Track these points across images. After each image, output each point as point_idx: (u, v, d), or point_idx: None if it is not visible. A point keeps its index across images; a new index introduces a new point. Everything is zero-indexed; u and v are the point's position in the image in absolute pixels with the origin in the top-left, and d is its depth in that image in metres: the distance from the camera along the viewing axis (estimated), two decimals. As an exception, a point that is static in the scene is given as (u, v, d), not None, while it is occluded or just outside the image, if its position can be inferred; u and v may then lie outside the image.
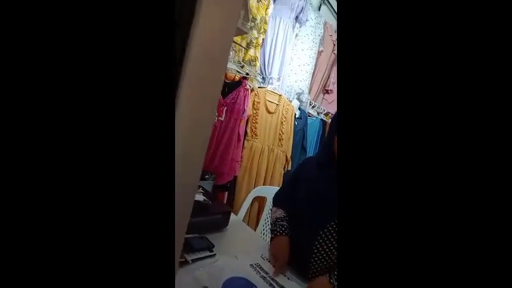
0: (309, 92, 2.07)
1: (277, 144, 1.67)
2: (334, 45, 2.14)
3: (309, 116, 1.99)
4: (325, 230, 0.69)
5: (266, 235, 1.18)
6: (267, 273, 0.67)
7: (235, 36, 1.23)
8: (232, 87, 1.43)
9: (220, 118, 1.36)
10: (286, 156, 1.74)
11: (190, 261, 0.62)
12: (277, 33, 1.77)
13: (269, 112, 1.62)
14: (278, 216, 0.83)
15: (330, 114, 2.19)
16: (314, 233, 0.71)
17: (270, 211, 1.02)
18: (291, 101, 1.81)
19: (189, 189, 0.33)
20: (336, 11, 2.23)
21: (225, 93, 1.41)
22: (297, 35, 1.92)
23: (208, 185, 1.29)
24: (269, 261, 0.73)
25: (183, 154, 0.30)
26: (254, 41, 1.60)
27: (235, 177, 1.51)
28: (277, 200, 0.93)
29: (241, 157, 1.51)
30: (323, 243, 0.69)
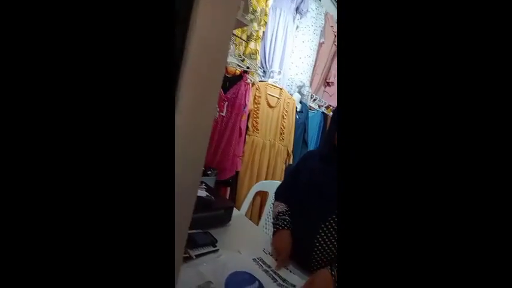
0: (310, 85, 2.05)
1: (279, 139, 1.67)
2: (335, 36, 2.10)
3: (310, 109, 1.97)
4: (327, 223, 0.70)
5: (268, 229, 1.19)
6: (269, 266, 0.68)
7: (235, 28, 1.21)
8: (233, 81, 1.42)
9: (221, 113, 1.35)
10: (288, 151, 1.74)
11: (194, 257, 0.62)
12: (278, 25, 1.74)
13: (270, 106, 1.61)
14: (280, 210, 0.84)
15: (331, 107, 2.17)
16: (316, 226, 0.71)
17: (272, 205, 1.02)
18: (292, 95, 1.79)
19: (191, 186, 0.33)
20: (337, 0, 2.18)
21: (226, 88, 1.40)
22: (297, 27, 1.89)
23: (210, 181, 1.29)
24: (271, 255, 0.73)
25: (184, 150, 0.30)
26: (254, 34, 1.58)
27: (237, 173, 1.51)
28: (279, 194, 0.93)
29: (243, 152, 1.51)
30: (325, 236, 0.70)
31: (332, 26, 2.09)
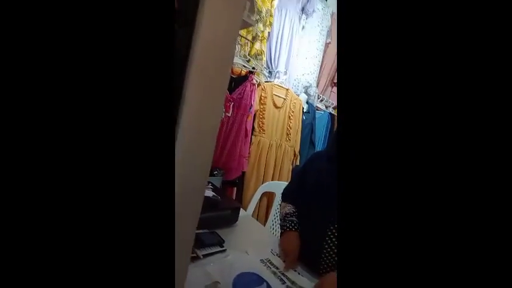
0: (317, 85, 2.03)
1: (285, 139, 1.66)
2: (342, 36, 2.07)
3: (317, 109, 1.95)
4: (336, 225, 0.69)
5: (276, 230, 1.18)
6: (277, 268, 0.67)
7: (241, 29, 1.21)
8: (239, 82, 1.42)
9: (227, 114, 1.36)
10: (295, 151, 1.73)
11: (202, 256, 0.62)
12: (283, 26, 1.73)
13: (276, 107, 1.60)
14: (287, 211, 0.83)
15: (338, 108, 2.14)
16: (324, 228, 0.70)
17: (278, 206, 1.01)
18: (298, 95, 1.78)
19: (199, 186, 0.33)
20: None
21: (231, 89, 1.40)
22: (303, 27, 1.88)
23: (217, 181, 1.29)
24: (279, 257, 0.73)
25: (191, 151, 0.30)
26: (260, 35, 1.58)
27: (244, 173, 1.51)
28: (286, 195, 0.92)
29: (249, 153, 1.51)
30: (334, 238, 0.69)
31: (338, 26, 2.07)
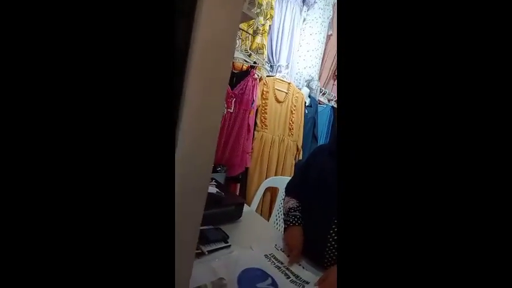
0: (319, 79, 2.01)
1: (288, 134, 1.65)
2: (345, 27, 2.03)
3: (319, 103, 1.93)
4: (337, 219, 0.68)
5: (279, 225, 1.19)
6: (281, 263, 0.67)
7: (241, 22, 1.19)
8: (240, 77, 1.41)
9: (229, 110, 1.35)
10: (297, 146, 1.72)
11: (206, 253, 0.63)
12: (284, 18, 1.70)
13: (278, 101, 1.59)
14: (291, 206, 0.83)
15: (341, 101, 2.12)
16: (328, 221, 0.70)
17: (282, 201, 1.01)
18: (300, 89, 1.76)
19: (202, 182, 0.33)
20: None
21: (233, 84, 1.39)
22: (304, 19, 1.84)
23: (220, 177, 1.30)
24: (283, 251, 0.73)
25: (193, 148, 0.29)
26: (261, 28, 1.55)
27: (247, 169, 1.51)
28: (290, 189, 0.92)
29: (252, 148, 1.50)
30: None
31: (341, 17, 2.03)
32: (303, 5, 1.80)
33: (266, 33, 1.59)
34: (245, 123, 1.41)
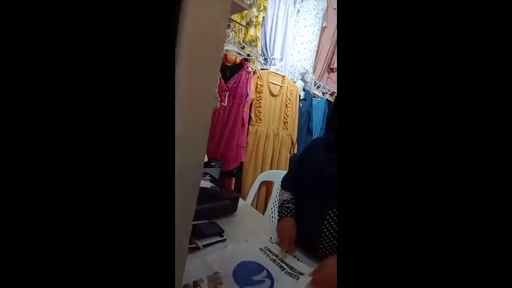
0: (314, 72, 2.00)
1: (282, 128, 1.65)
2: (339, 19, 2.01)
3: (314, 96, 1.93)
4: (334, 210, 0.69)
5: (274, 218, 1.20)
6: (276, 255, 0.68)
7: (234, 13, 1.16)
8: (234, 70, 1.38)
9: (223, 104, 1.33)
10: (292, 140, 1.72)
11: (201, 247, 0.63)
12: (278, 10, 1.67)
13: (273, 95, 1.58)
14: (284, 198, 0.84)
15: (335, 94, 2.12)
16: (322, 213, 0.71)
17: (277, 195, 1.02)
18: (295, 82, 1.75)
19: (194, 177, 0.32)
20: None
21: (226, 78, 1.37)
22: (298, 11, 1.81)
23: (215, 172, 1.29)
24: (278, 244, 0.74)
25: (184, 142, 0.29)
26: (254, 20, 1.52)
27: (242, 163, 1.51)
28: (285, 183, 0.93)
29: (247, 142, 1.50)
30: (332, 223, 0.70)
31: (335, 9, 2.00)
32: (297, -4, 1.77)
33: (260, 25, 1.56)
34: (239, 117, 1.40)
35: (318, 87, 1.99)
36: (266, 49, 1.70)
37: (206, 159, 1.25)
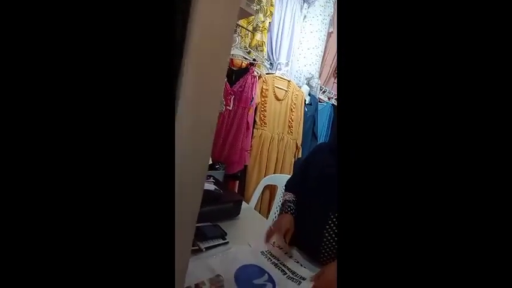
0: (319, 77, 2.00)
1: (287, 132, 1.65)
2: (345, 25, 2.02)
3: (320, 101, 1.93)
4: (336, 215, 0.69)
5: (278, 222, 1.19)
6: (278, 259, 0.68)
7: (240, 18, 1.18)
8: (240, 74, 1.40)
9: (228, 107, 1.34)
10: (297, 144, 1.72)
11: (204, 249, 0.63)
12: (285, 16, 1.69)
13: (278, 99, 1.58)
14: (287, 198, 0.84)
15: (341, 99, 2.11)
16: (325, 217, 0.70)
17: (281, 198, 1.02)
18: (300, 87, 1.76)
19: (197, 179, 0.32)
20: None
21: (232, 81, 1.38)
22: (305, 17, 1.83)
23: (219, 175, 1.30)
24: (280, 248, 0.73)
25: (189, 145, 0.29)
26: (260, 25, 1.54)
27: (246, 167, 1.51)
28: (289, 186, 0.92)
29: (251, 146, 1.50)
30: (334, 227, 0.69)
31: (341, 14, 2.01)
32: (304, 2, 1.79)
33: (266, 31, 1.58)
34: (244, 121, 1.41)
35: (324, 92, 1.99)
36: (272, 54, 1.71)
37: (210, 162, 1.26)
